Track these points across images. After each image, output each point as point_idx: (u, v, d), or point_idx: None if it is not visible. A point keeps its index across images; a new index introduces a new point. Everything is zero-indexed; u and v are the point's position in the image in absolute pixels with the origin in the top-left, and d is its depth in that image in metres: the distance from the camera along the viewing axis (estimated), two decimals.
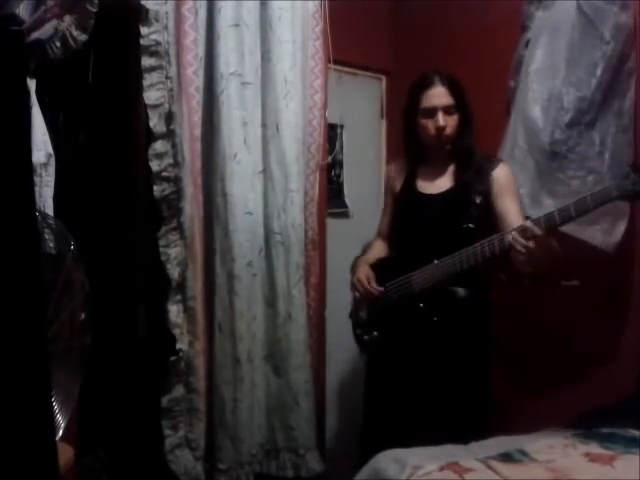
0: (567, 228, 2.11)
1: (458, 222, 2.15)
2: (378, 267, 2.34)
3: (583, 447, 1.72)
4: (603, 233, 2.18)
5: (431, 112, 2.16)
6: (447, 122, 2.15)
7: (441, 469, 1.59)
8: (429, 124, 2.17)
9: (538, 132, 2.31)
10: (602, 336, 2.38)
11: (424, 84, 2.18)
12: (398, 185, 2.36)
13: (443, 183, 2.24)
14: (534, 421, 2.03)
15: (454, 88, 2.16)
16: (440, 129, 2.15)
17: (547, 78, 2.32)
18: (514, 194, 2.18)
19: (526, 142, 2.36)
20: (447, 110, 2.15)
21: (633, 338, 2.31)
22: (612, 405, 2.08)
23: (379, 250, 2.44)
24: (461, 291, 2.16)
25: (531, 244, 1.89)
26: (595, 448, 1.71)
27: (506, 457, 1.67)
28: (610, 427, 1.85)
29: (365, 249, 2.47)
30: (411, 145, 2.30)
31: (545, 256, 1.93)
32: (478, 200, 2.15)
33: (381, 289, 2.26)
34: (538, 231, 1.87)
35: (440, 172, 2.26)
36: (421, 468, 1.61)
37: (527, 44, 2.43)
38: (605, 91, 2.21)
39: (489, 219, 2.16)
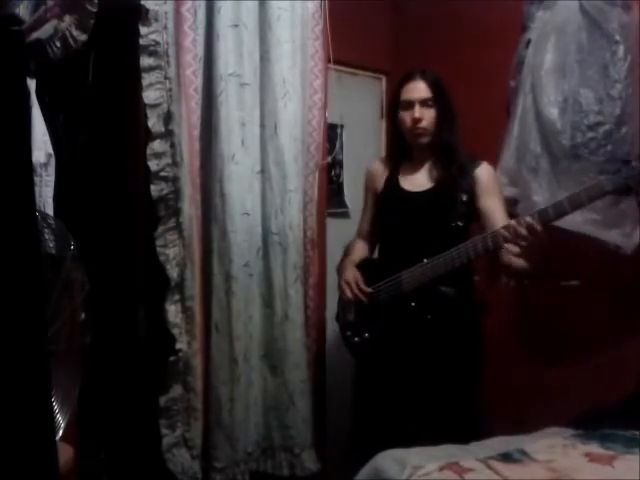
0: (589, 230, 2.14)
1: (446, 220, 2.16)
2: (363, 268, 2.33)
3: (583, 447, 1.72)
4: (624, 236, 2.19)
5: (409, 105, 2.20)
6: (423, 115, 2.18)
7: (441, 469, 1.59)
8: (406, 116, 2.20)
9: (557, 135, 2.31)
10: (603, 336, 2.38)
11: (405, 79, 2.24)
12: (380, 183, 2.36)
13: (425, 180, 2.25)
14: (534, 421, 2.03)
15: (433, 83, 2.19)
16: (416, 121, 2.18)
17: (559, 80, 2.33)
18: (498, 193, 2.21)
19: (542, 146, 2.35)
20: (424, 103, 2.18)
21: (633, 338, 2.31)
22: (612, 405, 2.08)
23: (361, 251, 2.44)
24: (450, 290, 2.16)
25: (524, 241, 1.89)
26: (595, 448, 1.71)
27: (506, 457, 1.67)
28: (610, 427, 1.85)
29: (347, 250, 2.46)
30: (394, 140, 2.33)
31: (539, 252, 1.93)
32: (465, 198, 2.16)
33: (370, 290, 2.26)
34: (538, 227, 1.87)
35: (421, 169, 2.27)
36: (421, 468, 1.60)
37: (527, 44, 2.43)
38: (624, 89, 2.21)
39: (474, 218, 2.18)
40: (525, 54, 2.44)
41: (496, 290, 2.47)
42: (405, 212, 2.26)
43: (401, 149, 2.31)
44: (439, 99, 2.19)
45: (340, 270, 2.38)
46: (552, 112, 2.33)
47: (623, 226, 2.18)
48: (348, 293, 2.29)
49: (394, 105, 2.26)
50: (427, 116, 2.18)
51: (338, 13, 2.72)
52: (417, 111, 2.17)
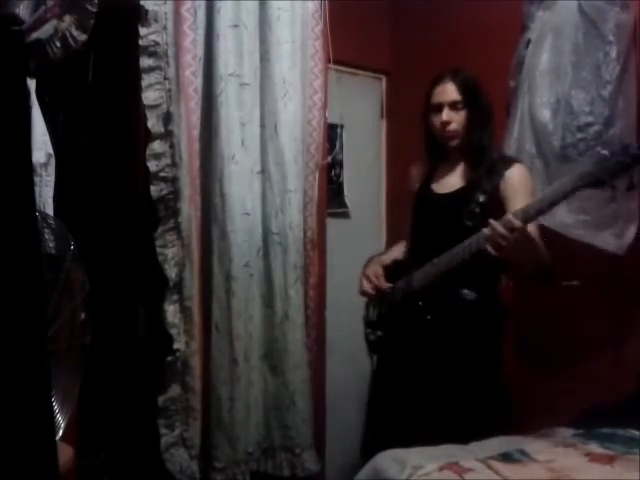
0: (578, 235, 2.14)
1: (459, 220, 2.13)
2: (394, 268, 2.32)
3: (583, 447, 1.72)
4: (615, 237, 2.18)
5: (438, 108, 2.17)
6: (451, 117, 2.15)
7: (441, 469, 1.59)
8: (436, 119, 2.18)
9: (548, 136, 2.31)
10: (603, 336, 2.38)
11: (435, 81, 2.20)
12: (416, 185, 2.36)
13: (454, 182, 2.23)
14: (534, 421, 2.03)
15: (464, 84, 2.15)
16: (444, 124, 2.15)
17: (553, 81, 2.33)
18: (527, 195, 2.11)
19: (535, 146, 2.35)
20: (453, 106, 2.15)
21: (633, 338, 2.31)
22: (612, 405, 2.08)
23: (398, 251, 2.43)
24: (466, 292, 2.14)
25: (508, 235, 1.86)
26: (595, 448, 1.71)
27: (506, 457, 1.67)
28: (610, 427, 1.85)
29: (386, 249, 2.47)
30: (428, 144, 2.30)
31: (525, 251, 1.91)
32: (482, 199, 2.11)
33: (388, 284, 2.25)
34: (518, 223, 1.85)
35: (453, 171, 2.25)
36: (421, 468, 1.61)
37: (527, 44, 2.44)
38: (615, 90, 2.21)
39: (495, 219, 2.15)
40: (525, 54, 2.44)
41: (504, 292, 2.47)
42: (430, 213, 2.26)
43: (436, 151, 2.29)
44: (469, 101, 2.15)
45: (365, 265, 2.38)
46: (544, 114, 2.33)
47: (614, 226, 2.18)
48: (364, 287, 2.29)
49: (426, 109, 2.23)
50: (456, 119, 2.15)
51: (338, 13, 2.72)
52: (445, 114, 2.15)
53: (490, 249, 1.92)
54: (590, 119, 2.24)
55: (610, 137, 2.21)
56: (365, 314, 2.39)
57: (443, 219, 2.20)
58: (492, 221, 1.90)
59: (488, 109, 2.19)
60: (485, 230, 1.93)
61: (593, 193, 2.16)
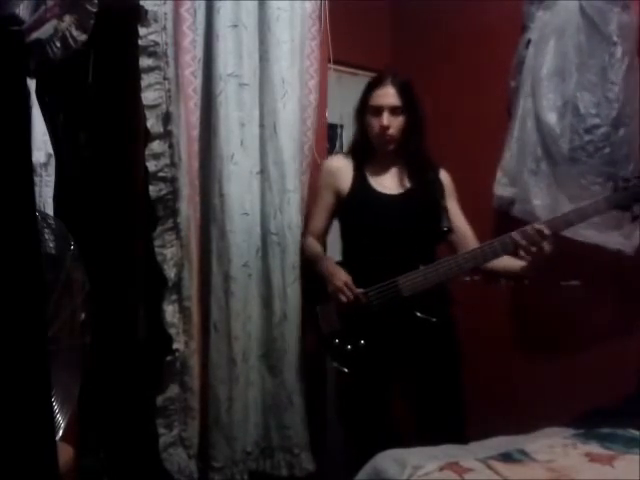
0: (588, 236, 2.16)
1: (435, 225, 2.14)
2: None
3: (583, 447, 1.72)
4: (624, 237, 2.19)
5: (377, 111, 2.19)
6: (391, 122, 2.17)
7: (441, 469, 1.59)
8: (375, 122, 2.20)
9: (556, 139, 2.31)
10: (603, 336, 2.38)
11: (375, 83, 2.23)
12: (344, 182, 2.28)
13: (395, 184, 2.24)
14: (534, 421, 2.03)
15: (404, 90, 2.18)
16: (384, 128, 2.17)
17: (559, 83, 2.33)
18: (454, 197, 2.27)
19: (541, 149, 2.35)
20: (393, 111, 2.17)
21: (634, 338, 2.31)
22: (612, 405, 2.08)
23: (321, 251, 2.37)
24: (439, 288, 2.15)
25: (536, 246, 1.94)
26: (595, 448, 1.71)
27: (506, 457, 1.67)
28: (610, 427, 1.85)
29: (311, 250, 2.37)
30: (359, 142, 2.30)
31: (547, 258, 1.97)
32: (443, 203, 2.16)
33: (361, 290, 2.14)
34: (548, 231, 1.93)
35: (388, 173, 2.27)
36: (421, 468, 1.60)
37: (527, 44, 2.43)
38: (621, 91, 2.21)
39: None
40: (525, 54, 2.44)
41: (496, 290, 2.47)
42: (383, 214, 2.21)
43: (365, 151, 2.29)
44: (408, 106, 2.18)
45: (328, 271, 2.22)
46: (551, 117, 2.33)
47: (622, 227, 2.18)
48: (348, 295, 2.13)
49: (362, 108, 2.24)
50: (395, 124, 2.18)
51: (338, 13, 2.72)
52: (385, 118, 2.16)
53: (522, 254, 1.99)
54: (597, 121, 2.24)
55: (619, 139, 2.22)
56: (323, 325, 2.26)
57: (406, 222, 2.18)
58: (528, 228, 1.97)
59: (423, 114, 2.22)
60: (514, 236, 1.97)
61: (600, 194, 2.18)
